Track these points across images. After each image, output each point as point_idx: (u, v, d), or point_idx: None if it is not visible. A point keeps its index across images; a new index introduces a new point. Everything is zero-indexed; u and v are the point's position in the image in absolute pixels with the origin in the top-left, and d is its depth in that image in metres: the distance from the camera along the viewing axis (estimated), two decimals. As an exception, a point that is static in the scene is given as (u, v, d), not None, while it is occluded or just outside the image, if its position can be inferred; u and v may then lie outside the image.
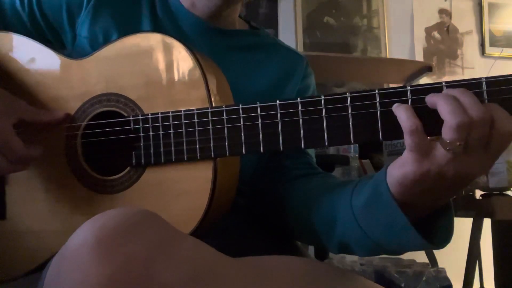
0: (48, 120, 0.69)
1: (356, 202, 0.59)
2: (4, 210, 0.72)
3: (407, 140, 0.50)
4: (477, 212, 1.65)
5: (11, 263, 0.71)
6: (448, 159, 0.50)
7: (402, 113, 0.51)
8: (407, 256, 1.65)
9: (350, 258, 1.71)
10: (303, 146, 0.58)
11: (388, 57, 2.64)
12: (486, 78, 0.51)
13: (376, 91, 0.55)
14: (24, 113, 0.68)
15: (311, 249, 1.80)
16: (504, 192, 1.59)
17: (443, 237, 0.55)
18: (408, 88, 0.53)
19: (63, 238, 0.47)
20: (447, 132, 0.49)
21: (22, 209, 0.71)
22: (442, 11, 2.78)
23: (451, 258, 1.84)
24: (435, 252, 2.00)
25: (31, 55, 0.74)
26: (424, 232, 0.54)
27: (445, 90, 0.52)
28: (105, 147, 0.69)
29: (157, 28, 0.80)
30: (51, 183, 0.71)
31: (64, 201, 0.70)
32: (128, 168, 0.67)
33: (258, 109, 0.60)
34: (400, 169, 0.53)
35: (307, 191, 0.72)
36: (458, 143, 0.48)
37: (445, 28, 2.77)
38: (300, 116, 0.58)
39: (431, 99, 0.51)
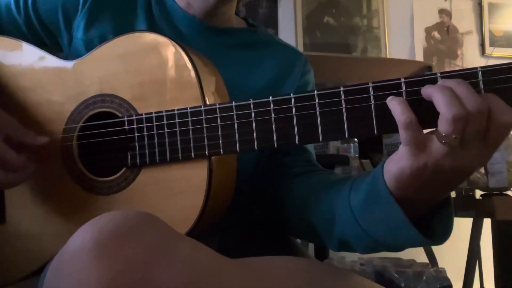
0: (30, 143, 0.68)
1: (354, 200, 0.59)
2: (4, 214, 0.72)
3: (402, 134, 0.50)
4: (477, 212, 1.64)
5: (10, 266, 0.71)
6: (444, 153, 0.49)
7: (396, 107, 0.50)
8: (407, 256, 1.65)
9: (350, 258, 1.71)
10: (297, 142, 0.58)
11: (388, 57, 2.63)
12: (481, 67, 0.51)
13: (370, 84, 0.54)
14: (11, 131, 0.67)
15: (311, 249, 1.80)
16: (504, 192, 1.58)
17: (443, 233, 0.55)
18: (402, 80, 0.53)
19: (62, 240, 0.47)
20: (443, 125, 0.48)
21: (21, 212, 0.71)
22: (442, 11, 2.77)
23: (451, 258, 1.84)
24: (435, 252, 2.00)
25: (26, 59, 0.74)
26: (423, 228, 0.54)
27: (440, 81, 0.51)
28: (101, 148, 0.69)
29: (152, 28, 0.79)
30: (49, 185, 0.71)
31: (62, 203, 0.70)
32: (124, 169, 0.66)
33: (252, 106, 0.60)
34: (397, 164, 0.52)
35: (306, 189, 0.72)
36: (454, 136, 0.48)
37: (445, 28, 2.77)
38: (293, 112, 0.58)
39: (427, 91, 0.50)
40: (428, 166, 0.50)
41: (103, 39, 0.76)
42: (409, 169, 0.51)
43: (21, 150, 0.66)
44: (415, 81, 0.52)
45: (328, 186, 0.67)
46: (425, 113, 0.50)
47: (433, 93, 0.49)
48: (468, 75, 0.51)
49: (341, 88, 0.55)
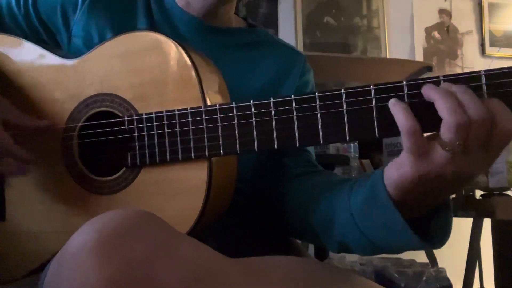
0: (30, 126, 0.69)
1: (354, 204, 0.59)
2: (4, 212, 0.72)
3: (405, 142, 0.49)
4: (477, 212, 1.64)
5: (11, 264, 0.71)
6: (447, 160, 0.49)
7: (399, 114, 0.50)
8: (407, 256, 1.65)
9: (350, 258, 1.71)
10: (297, 144, 0.57)
11: (388, 57, 2.63)
12: (485, 71, 0.50)
13: (371, 87, 0.53)
14: (9, 115, 0.67)
15: (311, 249, 1.80)
16: (504, 192, 1.58)
17: (441, 237, 0.54)
18: (404, 83, 0.52)
19: (63, 239, 0.47)
20: (445, 132, 0.48)
21: (22, 211, 0.71)
22: (442, 11, 2.77)
23: (451, 258, 1.84)
24: (435, 252, 2.00)
25: (27, 57, 0.74)
26: (422, 231, 0.54)
27: (443, 84, 0.50)
28: (101, 148, 0.69)
29: (152, 27, 0.79)
30: (49, 184, 0.71)
31: (62, 202, 0.70)
32: (124, 169, 0.66)
33: (252, 107, 0.59)
34: (398, 171, 0.52)
35: (306, 190, 0.72)
36: (458, 143, 0.47)
37: (445, 28, 2.77)
38: (294, 113, 0.57)
39: (428, 93, 0.50)
40: (431, 174, 0.50)
41: (102, 38, 0.76)
42: (411, 177, 0.51)
43: (21, 141, 0.66)
44: (417, 84, 0.51)
45: (327, 188, 0.67)
46: (427, 117, 0.50)
47: (436, 98, 0.49)
48: (471, 78, 0.50)
49: (343, 90, 0.55)
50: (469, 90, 0.49)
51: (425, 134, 0.50)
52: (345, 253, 0.65)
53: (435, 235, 0.55)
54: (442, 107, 0.48)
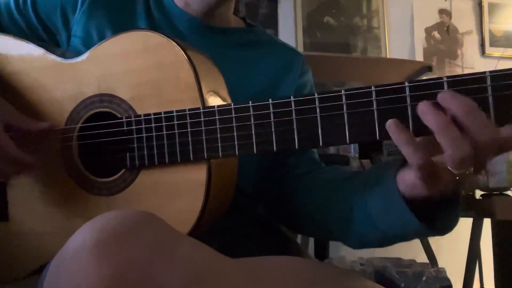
0: (32, 129, 0.69)
1: (372, 207, 0.61)
2: (7, 211, 0.72)
3: (416, 172, 0.50)
4: (477, 212, 1.64)
5: (13, 263, 0.71)
6: (461, 182, 0.50)
7: (410, 150, 0.49)
8: (407, 256, 1.65)
9: (350, 258, 1.71)
10: (297, 147, 0.56)
11: (388, 57, 2.63)
12: (490, 72, 0.47)
13: (372, 88, 0.52)
14: (11, 119, 0.68)
15: (311, 249, 1.80)
16: (504, 192, 1.58)
17: (448, 225, 0.56)
18: (406, 84, 0.50)
19: (62, 239, 0.47)
20: (451, 165, 0.47)
21: (24, 211, 0.71)
22: (442, 11, 2.77)
23: (451, 258, 1.84)
24: (435, 252, 2.00)
25: (26, 57, 0.73)
26: (428, 215, 0.56)
27: (443, 96, 0.48)
28: (100, 149, 0.69)
29: (152, 27, 0.79)
30: (50, 185, 0.71)
31: (63, 203, 0.70)
32: (123, 170, 0.66)
33: (251, 108, 0.58)
34: (412, 189, 0.53)
35: (315, 190, 0.73)
36: (467, 172, 0.47)
37: (445, 28, 2.77)
38: (293, 115, 0.56)
39: (426, 119, 0.48)
40: (445, 192, 0.51)
41: (102, 38, 0.76)
42: (427, 196, 0.52)
43: (22, 143, 0.66)
44: (420, 86, 0.50)
45: (337, 187, 0.69)
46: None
47: (434, 130, 0.47)
48: (476, 79, 0.48)
49: (343, 92, 0.54)
50: (475, 109, 0.46)
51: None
52: (362, 248, 0.67)
53: (441, 223, 0.56)
54: (442, 141, 0.47)
